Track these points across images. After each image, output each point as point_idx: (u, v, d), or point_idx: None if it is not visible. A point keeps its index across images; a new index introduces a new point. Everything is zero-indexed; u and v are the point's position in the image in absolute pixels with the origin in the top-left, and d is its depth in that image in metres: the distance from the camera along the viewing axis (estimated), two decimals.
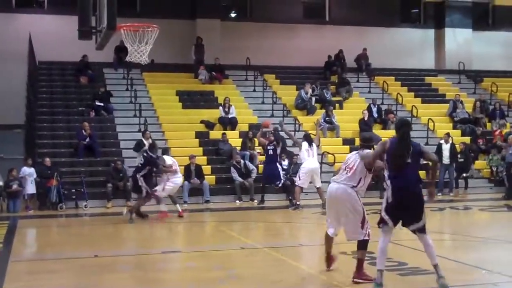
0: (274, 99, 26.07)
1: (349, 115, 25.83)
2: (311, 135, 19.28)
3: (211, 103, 25.55)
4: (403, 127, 8.36)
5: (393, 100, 27.71)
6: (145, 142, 20.20)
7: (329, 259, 9.25)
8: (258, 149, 21.80)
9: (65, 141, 22.53)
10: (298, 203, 18.09)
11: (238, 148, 22.13)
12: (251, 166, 21.06)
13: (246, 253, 11.61)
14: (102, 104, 23.89)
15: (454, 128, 25.98)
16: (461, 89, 29.59)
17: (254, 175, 20.84)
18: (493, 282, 8.89)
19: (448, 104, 27.36)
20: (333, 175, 9.55)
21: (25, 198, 19.44)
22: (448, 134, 22.89)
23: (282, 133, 20.92)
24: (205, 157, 22.06)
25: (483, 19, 33.72)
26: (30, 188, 19.37)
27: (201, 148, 22.52)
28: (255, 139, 21.79)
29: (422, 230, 8.11)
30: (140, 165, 16.44)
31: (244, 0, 30.55)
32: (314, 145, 18.28)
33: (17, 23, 26.50)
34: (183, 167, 19.44)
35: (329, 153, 21.88)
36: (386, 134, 24.46)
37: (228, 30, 28.75)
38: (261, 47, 28.78)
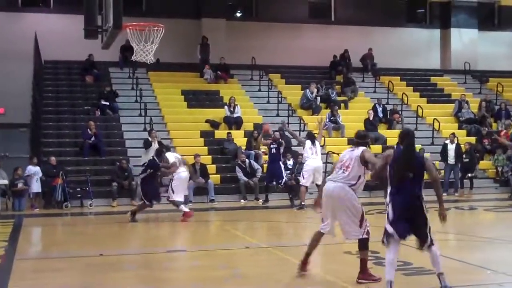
0: (279, 98, 26.07)
1: (354, 115, 25.82)
2: (314, 133, 19.27)
3: (216, 102, 25.57)
4: (407, 138, 8.21)
5: (398, 100, 27.69)
6: (151, 141, 20.19)
7: (306, 262, 8.93)
8: (263, 148, 21.81)
9: (70, 140, 22.59)
10: (303, 203, 18.08)
11: (243, 147, 22.16)
12: (256, 166, 21.08)
13: (251, 252, 11.61)
14: (107, 103, 23.94)
15: (460, 128, 25.95)
16: (466, 89, 29.55)
17: (259, 174, 20.87)
18: (498, 283, 8.87)
19: (454, 104, 27.33)
20: (328, 174, 9.47)
21: (31, 197, 19.49)
22: (453, 134, 22.88)
23: (285, 133, 20.92)
24: (210, 157, 22.08)
25: (489, 19, 33.66)
26: (36, 187, 19.42)
27: (206, 148, 22.54)
28: (260, 136, 21.86)
29: (430, 246, 7.92)
30: (144, 167, 16.45)
31: (249, 0, 30.54)
32: (317, 143, 18.29)
33: (23, 22, 26.54)
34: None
35: (334, 153, 21.84)
36: (391, 134, 24.52)
37: (234, 30, 28.76)
38: (267, 47, 28.78)
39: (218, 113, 24.43)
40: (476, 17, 32.40)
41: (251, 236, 13.98)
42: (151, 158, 16.43)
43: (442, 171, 22.19)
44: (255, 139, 22.27)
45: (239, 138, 23.05)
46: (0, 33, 25.78)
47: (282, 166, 19.80)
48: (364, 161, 8.61)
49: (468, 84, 30.45)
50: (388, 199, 8.06)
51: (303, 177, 18.08)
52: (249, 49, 28.00)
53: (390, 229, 7.98)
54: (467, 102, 27.12)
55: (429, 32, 32.57)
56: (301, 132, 22.85)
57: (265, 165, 20.93)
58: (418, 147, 13.89)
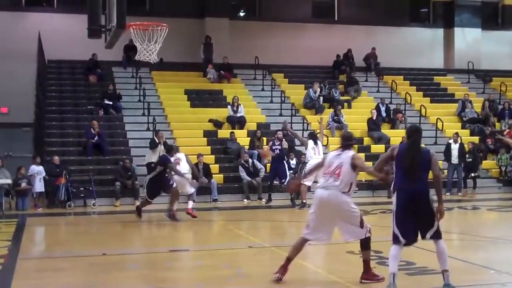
0: (283, 98, 26.07)
1: (358, 115, 25.82)
2: (316, 133, 19.29)
3: (219, 102, 25.58)
4: (414, 133, 8.33)
5: (401, 100, 27.67)
6: (158, 142, 20.12)
7: (287, 267, 8.71)
8: (266, 148, 21.82)
9: (74, 140, 22.61)
10: (304, 201, 18.09)
11: (246, 147, 22.17)
12: (259, 165, 21.09)
13: (254, 252, 11.62)
14: (111, 103, 23.96)
15: (463, 128, 25.94)
16: (470, 89, 29.52)
17: (262, 174, 20.88)
18: (501, 282, 8.87)
19: (457, 104, 27.32)
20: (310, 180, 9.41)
21: (34, 196, 19.50)
22: (457, 134, 22.86)
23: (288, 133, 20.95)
24: (213, 156, 22.09)
25: (493, 18, 33.62)
26: (39, 186, 19.43)
27: (209, 147, 22.55)
28: (264, 138, 21.86)
29: (437, 236, 7.98)
30: (153, 165, 16.39)
31: None
32: (319, 143, 18.34)
33: (27, 21, 26.57)
34: None
35: None
36: (395, 134, 24.53)
37: (237, 29, 28.78)
38: (270, 46, 28.78)
39: (221, 113, 24.44)
40: (480, 17, 32.35)
41: (254, 236, 13.98)
42: (163, 155, 16.39)
43: (446, 171, 22.18)
44: (259, 138, 22.31)
45: (242, 138, 23.06)
46: (4, 33, 25.81)
47: (286, 165, 19.84)
48: (355, 168, 8.53)
49: (472, 84, 30.43)
50: (394, 195, 8.14)
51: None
52: (252, 48, 28.02)
53: (396, 230, 8.04)
54: (470, 102, 27.10)
55: (432, 31, 32.54)
56: (304, 131, 22.84)
57: (268, 165, 20.93)
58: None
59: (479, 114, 26.78)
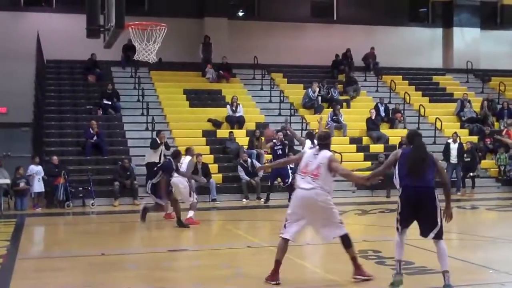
0: (282, 98, 26.08)
1: (357, 114, 25.83)
2: (314, 132, 19.27)
3: (218, 101, 25.58)
4: (416, 136, 8.50)
5: (400, 99, 27.67)
6: (160, 143, 19.99)
7: (278, 270, 8.67)
8: (265, 148, 21.83)
9: (72, 140, 22.61)
10: None
11: (245, 146, 22.17)
12: (258, 165, 21.06)
13: (253, 251, 11.62)
14: (109, 103, 23.96)
15: (462, 127, 25.95)
16: (469, 88, 29.54)
17: (261, 174, 20.87)
18: (500, 282, 8.87)
19: (456, 103, 27.33)
20: (295, 173, 9.40)
21: (33, 197, 19.48)
22: (456, 134, 22.86)
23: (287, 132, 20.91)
24: (212, 156, 22.09)
25: (491, 18, 33.64)
26: (38, 186, 19.39)
27: (208, 147, 22.56)
28: (262, 138, 21.84)
29: (438, 236, 8.07)
30: (155, 169, 15.27)
31: None
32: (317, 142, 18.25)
33: (25, 21, 26.57)
34: None
35: (336, 152, 21.80)
36: (394, 133, 24.54)
37: (236, 29, 28.78)
38: (269, 46, 28.78)
39: (220, 113, 24.44)
40: (479, 16, 32.36)
41: (253, 236, 13.98)
42: (167, 159, 15.51)
43: (445, 171, 22.15)
44: (258, 138, 22.30)
45: (241, 138, 23.06)
46: (3, 33, 25.82)
47: (288, 166, 19.79)
48: (331, 169, 8.55)
49: (470, 83, 30.44)
50: (400, 192, 8.26)
51: None
52: (251, 48, 28.03)
53: (399, 226, 8.26)
54: (469, 101, 27.12)
55: (431, 31, 32.55)
56: (302, 131, 22.86)
57: (269, 157, 20.93)
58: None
59: (478, 113, 26.80)
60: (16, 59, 25.31)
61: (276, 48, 28.93)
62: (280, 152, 19.54)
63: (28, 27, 25.84)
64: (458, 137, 22.72)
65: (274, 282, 8.54)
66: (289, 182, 19.55)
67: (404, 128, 25.46)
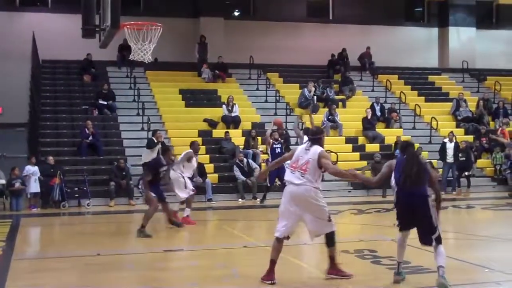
0: (277, 97, 26.08)
1: (352, 114, 25.85)
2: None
3: (214, 101, 25.57)
4: (409, 147, 8.66)
5: (396, 99, 27.70)
6: (157, 142, 19.97)
7: (273, 269, 8.68)
8: (261, 147, 21.82)
9: (68, 140, 22.58)
10: None
11: (241, 146, 22.17)
12: (254, 165, 21.11)
13: (249, 251, 11.62)
14: (105, 103, 23.94)
15: (458, 126, 25.98)
16: (464, 88, 29.57)
17: (256, 173, 20.85)
18: (495, 281, 8.89)
19: (452, 103, 27.36)
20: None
21: (29, 197, 19.46)
22: (452, 133, 22.89)
23: (284, 131, 20.87)
24: (208, 156, 22.07)
25: (487, 17, 33.70)
26: (34, 187, 19.37)
27: (204, 147, 22.49)
28: (258, 137, 21.82)
29: (438, 241, 8.24)
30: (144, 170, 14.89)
31: None
32: None
33: (21, 21, 26.54)
34: None
35: (331, 152, 21.82)
36: (389, 133, 24.57)
37: (232, 29, 28.77)
38: (265, 46, 28.77)
39: (216, 112, 24.43)
40: (474, 16, 32.40)
41: (249, 235, 13.98)
42: (156, 157, 15.13)
43: (441, 170, 22.23)
44: (253, 138, 22.29)
45: (237, 137, 23.06)
46: None
47: (285, 165, 19.69)
48: (320, 165, 8.58)
49: (466, 83, 30.47)
50: (395, 199, 8.52)
51: None
52: (247, 48, 28.02)
53: (397, 222, 8.53)
54: (465, 101, 27.15)
55: (427, 30, 32.58)
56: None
57: (263, 164, 20.91)
58: (416, 145, 14.00)
59: (473, 113, 26.83)
60: (12, 59, 25.31)
61: (272, 48, 28.92)
62: (279, 151, 19.46)
63: (24, 27, 25.82)
64: (454, 137, 22.75)
65: (270, 282, 8.55)
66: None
67: (400, 127, 25.53)
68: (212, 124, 23.98)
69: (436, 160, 22.44)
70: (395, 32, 31.75)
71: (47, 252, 12.10)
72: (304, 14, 30.77)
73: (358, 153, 23.38)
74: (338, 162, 20.93)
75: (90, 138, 21.56)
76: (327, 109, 25.17)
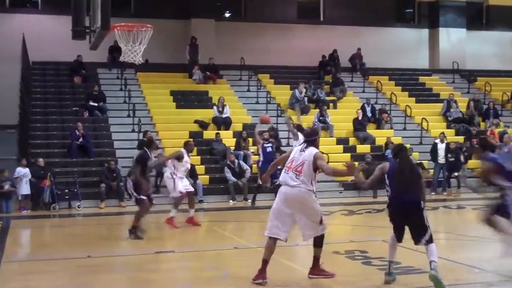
0: (268, 98, 26.10)
1: (343, 115, 25.86)
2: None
3: (205, 103, 25.54)
4: (402, 151, 8.75)
5: (387, 100, 27.74)
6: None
7: (265, 269, 8.71)
8: (252, 149, 21.80)
9: (58, 141, 22.51)
10: None
11: (232, 148, 22.15)
12: (245, 166, 21.10)
13: (240, 252, 11.62)
14: (96, 104, 23.87)
15: (448, 127, 26.03)
16: (455, 89, 29.65)
17: (248, 175, 20.88)
18: (486, 281, 8.92)
19: (442, 104, 27.42)
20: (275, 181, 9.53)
21: (19, 199, 19.37)
22: (443, 134, 22.93)
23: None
24: (199, 157, 22.03)
25: (477, 18, 33.83)
26: (25, 189, 19.28)
27: (195, 148, 22.42)
28: (249, 139, 21.80)
29: (429, 241, 8.34)
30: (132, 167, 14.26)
31: (238, 0, 30.52)
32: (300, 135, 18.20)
33: (11, 23, 26.44)
34: None
35: (323, 153, 21.76)
36: (380, 134, 24.61)
37: (223, 30, 28.74)
38: (256, 47, 28.77)
39: (207, 114, 24.41)
40: (464, 17, 32.50)
41: (239, 237, 13.98)
42: (142, 151, 14.06)
43: (432, 171, 22.27)
44: (244, 139, 22.28)
45: (228, 139, 23.05)
46: None
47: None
48: (315, 167, 8.61)
49: (457, 84, 30.55)
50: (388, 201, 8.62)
51: None
52: (238, 49, 28.00)
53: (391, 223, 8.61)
54: (455, 102, 27.21)
55: (417, 31, 32.66)
56: (289, 132, 22.83)
57: (254, 165, 20.91)
58: (407, 146, 14.04)
59: (464, 114, 26.89)
60: (1, 60, 25.22)
61: (263, 49, 28.92)
62: (270, 150, 19.49)
63: (14, 28, 25.74)
64: (445, 137, 22.79)
65: (261, 280, 8.56)
66: (277, 182, 19.48)
67: (391, 128, 25.57)
68: (203, 125, 23.96)
69: (427, 161, 22.50)
70: (385, 33, 31.81)
71: (37, 254, 12.07)
72: (295, 16, 30.79)
73: (349, 154, 23.38)
74: (329, 163, 20.85)
75: (81, 139, 21.49)
76: (318, 110, 25.19)
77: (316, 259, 8.90)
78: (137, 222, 13.23)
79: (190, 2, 28.74)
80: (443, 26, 32.12)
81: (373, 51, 30.08)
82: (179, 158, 14.83)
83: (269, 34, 29.41)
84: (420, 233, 8.31)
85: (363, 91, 28.54)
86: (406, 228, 8.49)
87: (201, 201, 20.14)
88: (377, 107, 26.58)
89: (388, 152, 22.04)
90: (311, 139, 8.99)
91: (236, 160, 21.12)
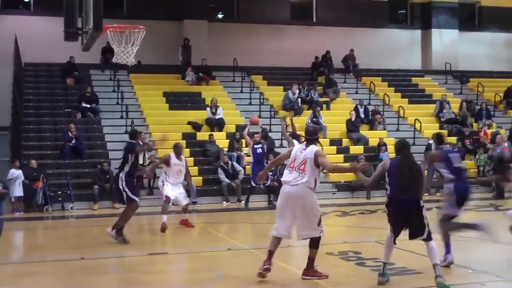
0: (262, 100, 26.10)
1: (336, 116, 25.87)
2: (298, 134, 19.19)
3: (198, 104, 25.52)
4: (404, 148, 8.70)
5: (380, 101, 27.78)
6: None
7: (271, 258, 8.95)
8: (246, 150, 21.79)
9: (51, 143, 22.44)
10: None
11: (225, 149, 22.14)
12: (238, 167, 21.09)
13: (233, 254, 11.59)
14: (88, 106, 23.83)
15: (441, 128, 26.04)
16: (447, 90, 29.72)
17: (241, 176, 20.87)
18: (479, 282, 8.93)
19: (435, 105, 27.47)
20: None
21: (13, 201, 19.31)
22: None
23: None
24: (192, 158, 21.99)
25: (470, 19, 33.91)
26: (18, 191, 19.21)
27: (188, 149, 22.44)
28: (243, 140, 21.78)
29: (428, 239, 8.38)
30: (121, 161, 13.07)
31: (231, 1, 30.50)
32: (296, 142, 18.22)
33: (3, 24, 26.34)
34: None
35: None
36: (373, 135, 24.64)
37: (215, 31, 28.71)
38: (249, 48, 28.76)
39: (200, 115, 24.40)
40: (457, 18, 32.59)
41: (233, 238, 13.98)
42: (128, 141, 13.52)
43: (425, 171, 22.27)
44: (238, 140, 22.26)
45: (221, 140, 23.03)
46: None
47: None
48: (317, 164, 8.67)
49: (449, 85, 30.62)
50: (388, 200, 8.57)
51: None
52: (231, 50, 27.96)
53: (389, 225, 8.55)
54: (448, 103, 27.26)
55: (410, 32, 32.72)
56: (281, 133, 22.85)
57: (248, 167, 20.89)
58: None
59: (456, 114, 26.95)
60: None
61: (256, 50, 28.91)
62: (260, 151, 19.49)
63: (6, 30, 25.64)
64: None
65: (264, 267, 8.79)
66: (267, 183, 19.51)
67: (384, 129, 25.60)
68: (196, 126, 23.94)
69: (420, 162, 22.49)
70: (378, 34, 31.84)
71: (30, 257, 12.02)
72: (287, 17, 30.79)
73: (342, 155, 23.40)
74: None
75: (73, 141, 21.44)
76: (311, 111, 25.19)
77: (310, 260, 8.92)
78: (125, 222, 12.75)
79: (182, 3, 28.70)
80: (435, 27, 32.20)
81: (366, 52, 30.11)
82: (166, 162, 14.75)
83: (262, 35, 29.41)
84: (418, 231, 8.33)
85: (356, 92, 28.56)
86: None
87: (194, 203, 20.08)
88: (370, 108, 26.61)
89: (382, 155, 22.12)
90: (313, 137, 9.07)
91: (229, 162, 21.11)
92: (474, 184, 18.12)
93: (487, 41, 33.01)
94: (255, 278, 9.01)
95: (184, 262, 11.02)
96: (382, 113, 26.28)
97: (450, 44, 32.19)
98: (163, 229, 14.06)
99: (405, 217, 8.36)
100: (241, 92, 27.04)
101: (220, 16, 31.21)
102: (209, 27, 28.76)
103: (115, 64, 20.47)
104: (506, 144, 22.09)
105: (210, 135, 22.89)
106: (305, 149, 8.84)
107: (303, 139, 9.85)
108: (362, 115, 25.99)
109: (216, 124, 23.88)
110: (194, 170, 21.28)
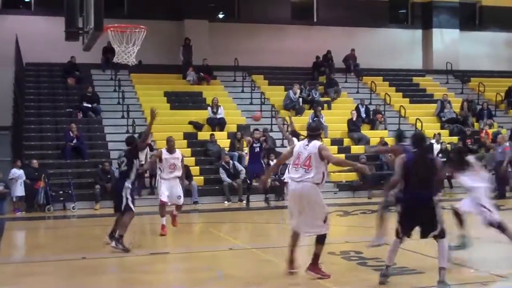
0: (263, 99, 26.09)
1: (338, 116, 25.88)
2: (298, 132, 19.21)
3: (199, 104, 25.52)
4: (422, 141, 8.70)
5: (381, 100, 27.77)
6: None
7: (292, 258, 9.10)
8: (247, 149, 21.78)
9: (52, 143, 22.45)
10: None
11: (227, 149, 22.14)
12: (239, 167, 21.09)
13: (235, 254, 11.59)
14: (89, 106, 23.83)
15: (442, 128, 26.08)
16: (448, 89, 29.71)
17: (242, 176, 20.86)
18: (481, 281, 8.91)
19: (436, 104, 27.47)
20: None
21: (14, 200, 19.31)
22: (439, 135, 22.97)
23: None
24: (194, 158, 22.03)
25: (470, 19, 33.90)
26: (20, 191, 19.22)
27: (189, 149, 22.48)
28: (243, 140, 21.79)
29: (440, 236, 8.31)
30: (125, 169, 12.21)
31: (232, 1, 30.50)
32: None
33: (4, 24, 26.36)
34: None
35: None
36: (374, 134, 24.62)
37: (216, 31, 28.71)
38: (249, 48, 28.75)
39: (201, 115, 24.39)
40: (458, 17, 32.57)
41: (234, 238, 13.97)
42: (126, 150, 12.66)
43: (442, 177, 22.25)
44: (239, 140, 22.26)
45: (222, 140, 23.04)
46: None
47: (264, 166, 19.63)
48: (322, 158, 8.73)
49: (450, 84, 30.61)
50: (401, 197, 8.49)
51: None
52: (232, 50, 27.97)
53: (399, 227, 8.39)
54: (449, 102, 27.26)
55: (411, 32, 32.71)
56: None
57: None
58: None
59: (457, 114, 26.95)
60: None
61: (257, 50, 28.91)
62: (258, 150, 19.48)
63: (7, 30, 25.65)
64: (440, 138, 22.83)
65: (290, 270, 9.02)
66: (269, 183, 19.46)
67: (385, 129, 25.60)
68: (197, 126, 23.94)
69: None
70: (379, 34, 31.84)
71: (32, 256, 12.04)
72: (288, 16, 30.78)
73: (343, 155, 23.32)
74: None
75: (75, 141, 21.45)
76: (313, 111, 25.19)
77: (316, 256, 8.93)
78: (124, 231, 12.09)
79: (183, 3, 28.70)
80: (436, 27, 32.18)
81: (367, 52, 30.10)
82: (158, 158, 14.52)
83: (263, 35, 29.41)
84: (430, 227, 8.26)
85: (357, 92, 28.56)
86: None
87: (195, 202, 20.13)
88: (371, 107, 26.61)
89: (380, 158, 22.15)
90: (315, 133, 9.08)
91: (230, 161, 21.12)
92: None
93: (488, 40, 32.99)
94: (256, 278, 9.01)
95: (185, 262, 11.02)
96: (383, 112, 26.28)
97: (451, 43, 32.18)
98: (163, 234, 13.84)
99: (418, 213, 8.26)
100: (242, 92, 27.04)
101: (221, 16, 31.21)
102: (210, 27, 28.76)
103: (116, 64, 20.51)
104: (507, 144, 22.03)
105: (211, 135, 22.89)
106: (307, 145, 8.87)
107: (302, 137, 9.91)
108: (363, 115, 25.98)
109: (217, 124, 23.88)
110: (195, 169, 21.31)
